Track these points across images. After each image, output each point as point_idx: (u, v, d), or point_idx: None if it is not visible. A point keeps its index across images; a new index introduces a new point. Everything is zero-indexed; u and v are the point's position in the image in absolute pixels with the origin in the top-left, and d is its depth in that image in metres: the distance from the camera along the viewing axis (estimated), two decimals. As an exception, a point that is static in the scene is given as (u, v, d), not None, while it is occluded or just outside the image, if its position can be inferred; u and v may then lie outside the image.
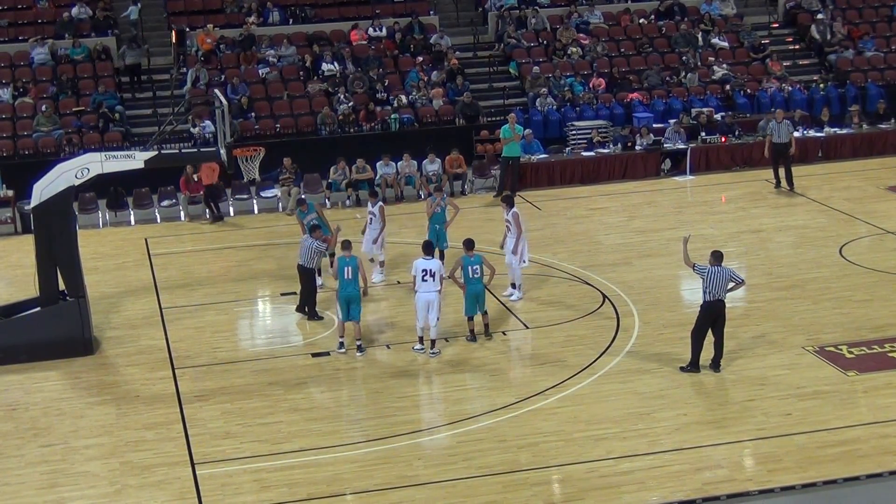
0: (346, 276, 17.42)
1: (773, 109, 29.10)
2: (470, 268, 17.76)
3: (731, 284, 16.23)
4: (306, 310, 19.40)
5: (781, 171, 26.95)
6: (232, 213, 27.19)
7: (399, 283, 20.53)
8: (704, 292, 16.18)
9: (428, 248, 17.67)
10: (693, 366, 16.43)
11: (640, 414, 15.13)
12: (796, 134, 29.39)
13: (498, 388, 16.44)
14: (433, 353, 17.51)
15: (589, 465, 13.78)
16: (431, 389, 16.85)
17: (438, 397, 16.51)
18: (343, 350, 17.63)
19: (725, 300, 16.26)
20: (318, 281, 20.72)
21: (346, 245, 17.91)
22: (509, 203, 19.89)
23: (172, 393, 16.53)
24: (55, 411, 16.06)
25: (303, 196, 20.34)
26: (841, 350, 17.00)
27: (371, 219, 20.82)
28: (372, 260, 20.83)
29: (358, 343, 17.68)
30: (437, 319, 17.43)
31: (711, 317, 16.25)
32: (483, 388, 16.48)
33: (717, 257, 16.26)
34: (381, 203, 21.10)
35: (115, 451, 14.70)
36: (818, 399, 15.38)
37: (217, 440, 14.88)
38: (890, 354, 16.84)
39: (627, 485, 13.30)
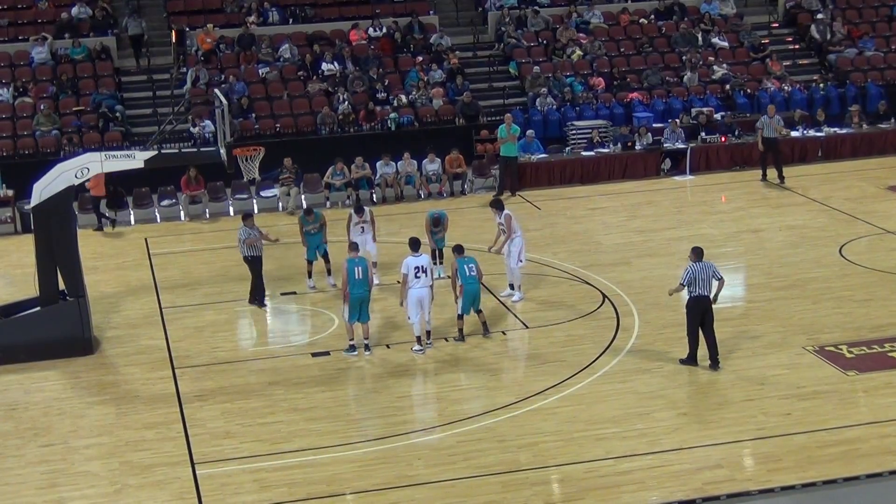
0: (356, 277, 17.46)
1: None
2: (466, 266, 17.83)
3: (715, 283, 16.28)
4: (257, 299, 20.07)
5: (772, 169, 27.36)
6: (232, 213, 27.19)
7: (398, 283, 20.49)
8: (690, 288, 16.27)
9: (415, 245, 17.78)
10: (691, 359, 16.52)
11: (640, 414, 15.13)
12: (796, 134, 29.52)
13: (497, 387, 16.45)
14: (428, 345, 17.69)
15: (588, 465, 13.78)
16: (431, 389, 16.86)
17: (438, 397, 16.50)
18: (355, 353, 17.60)
19: (711, 296, 16.32)
20: (310, 283, 20.75)
21: (353, 247, 18.10)
22: (499, 207, 19.92)
23: (172, 393, 16.54)
24: (55, 411, 16.06)
25: (312, 207, 20.51)
26: (841, 350, 16.99)
27: (363, 228, 20.75)
28: (374, 265, 20.80)
29: (366, 342, 17.71)
30: (429, 313, 17.62)
31: (699, 312, 16.33)
32: (482, 388, 16.49)
33: (697, 254, 16.39)
34: (368, 209, 20.98)
35: (115, 451, 14.70)
36: (818, 399, 15.38)
37: (217, 440, 14.88)
38: (890, 354, 16.84)
39: (627, 485, 13.30)
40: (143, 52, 32.10)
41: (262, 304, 20.14)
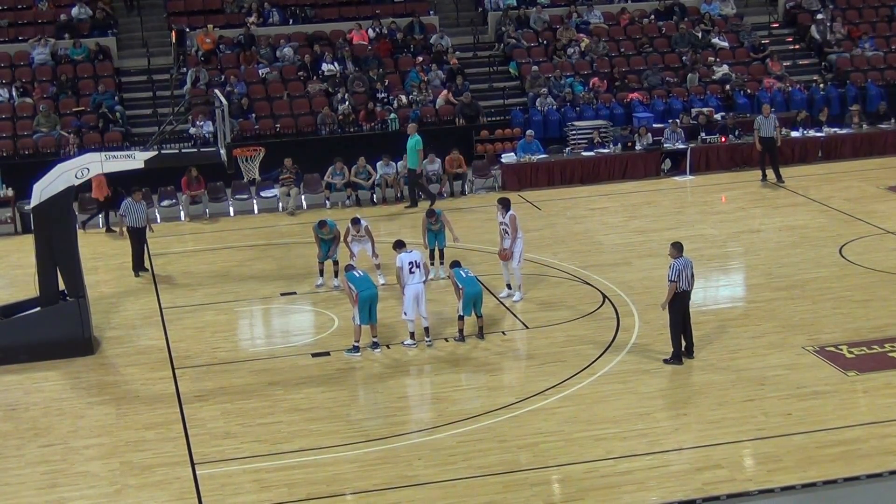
0: (357, 276, 17.62)
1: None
2: (462, 271, 18.04)
3: (691, 279, 16.51)
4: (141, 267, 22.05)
5: (769, 168, 27.39)
6: (232, 213, 27.19)
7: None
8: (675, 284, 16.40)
9: (400, 244, 18.11)
10: (676, 358, 16.64)
11: (640, 414, 15.13)
12: (796, 134, 29.53)
13: (497, 387, 16.46)
14: (428, 343, 17.75)
15: (589, 465, 13.78)
16: (431, 389, 16.86)
17: (438, 397, 16.48)
18: (358, 354, 17.61)
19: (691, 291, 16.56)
20: (319, 281, 20.80)
21: (349, 267, 18.24)
22: (506, 206, 19.83)
23: (172, 393, 16.53)
24: (55, 411, 16.06)
25: (325, 219, 20.64)
26: (841, 350, 16.99)
27: (361, 238, 20.74)
28: (378, 266, 20.79)
29: (374, 341, 17.76)
30: (425, 309, 17.77)
31: (682, 309, 16.47)
32: (483, 388, 16.49)
33: (679, 248, 16.54)
34: (365, 224, 20.86)
35: (115, 451, 14.70)
36: (818, 399, 15.38)
37: (217, 440, 14.88)
38: (890, 354, 16.84)
39: (627, 485, 13.30)
40: (135, 8, 32.36)
41: (138, 273, 21.99)
